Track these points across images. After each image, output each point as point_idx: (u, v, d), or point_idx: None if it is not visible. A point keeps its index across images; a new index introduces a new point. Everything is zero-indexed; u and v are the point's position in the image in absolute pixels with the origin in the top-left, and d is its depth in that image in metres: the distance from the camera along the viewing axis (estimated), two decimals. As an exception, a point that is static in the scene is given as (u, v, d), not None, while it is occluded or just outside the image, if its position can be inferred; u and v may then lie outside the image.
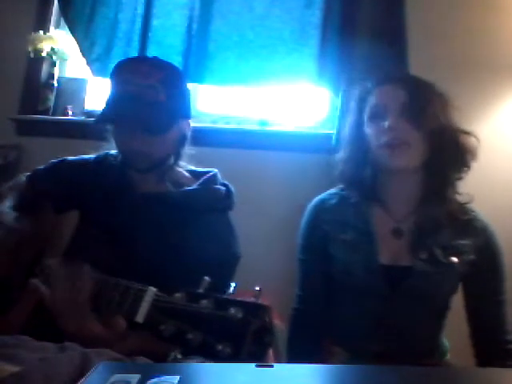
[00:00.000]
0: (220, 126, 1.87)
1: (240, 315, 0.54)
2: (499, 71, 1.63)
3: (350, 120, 1.13)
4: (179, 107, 1.00)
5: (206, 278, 0.61)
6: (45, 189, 0.99)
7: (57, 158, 1.09)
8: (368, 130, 1.06)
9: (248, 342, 0.53)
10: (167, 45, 1.85)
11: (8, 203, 0.96)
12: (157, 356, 0.67)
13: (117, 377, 0.44)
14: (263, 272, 1.43)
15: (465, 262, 1.02)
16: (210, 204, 1.00)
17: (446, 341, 1.12)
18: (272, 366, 0.48)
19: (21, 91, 1.95)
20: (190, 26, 1.84)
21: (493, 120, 1.65)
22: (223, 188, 1.04)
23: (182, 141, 1.03)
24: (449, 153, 1.02)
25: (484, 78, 1.64)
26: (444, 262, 1.00)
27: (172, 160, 1.02)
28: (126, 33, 1.88)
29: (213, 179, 1.05)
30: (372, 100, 1.06)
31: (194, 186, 1.02)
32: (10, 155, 1.85)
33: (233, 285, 0.61)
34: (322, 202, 1.15)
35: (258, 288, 0.58)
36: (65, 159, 1.09)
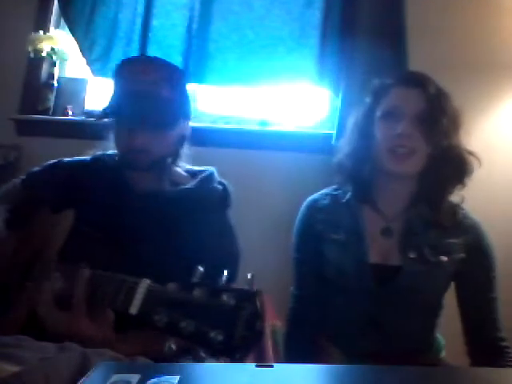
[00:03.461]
0: (220, 125, 1.86)
1: (232, 302, 0.55)
2: (499, 71, 1.63)
3: (360, 112, 1.11)
4: (181, 106, 1.01)
5: (199, 267, 0.61)
6: (41, 189, 0.99)
7: (57, 158, 1.09)
8: (378, 129, 1.05)
9: (240, 328, 0.53)
10: (167, 45, 1.85)
11: (3, 208, 0.96)
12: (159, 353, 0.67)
13: (117, 377, 0.44)
14: (262, 271, 1.43)
15: (454, 260, 1.03)
16: (207, 203, 1.00)
17: (441, 338, 1.13)
18: (272, 366, 0.48)
19: (21, 91, 1.95)
20: (189, 26, 1.84)
21: (493, 120, 1.65)
22: (220, 187, 1.04)
23: (181, 141, 1.03)
24: (449, 169, 1.03)
25: (484, 78, 1.64)
26: (433, 261, 1.01)
27: (170, 160, 1.03)
28: (126, 33, 1.88)
29: (209, 178, 1.05)
30: (389, 98, 1.05)
31: (191, 185, 1.02)
32: (10, 155, 1.85)
33: (225, 273, 0.61)
34: (315, 201, 1.15)
35: (249, 275, 0.58)
36: (61, 160, 1.08)
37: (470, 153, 1.05)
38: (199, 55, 1.82)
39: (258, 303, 0.54)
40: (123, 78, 0.97)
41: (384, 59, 1.52)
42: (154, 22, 1.86)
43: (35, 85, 1.95)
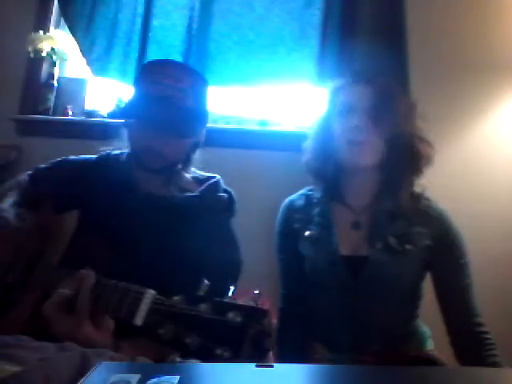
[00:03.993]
0: (220, 125, 1.86)
1: (239, 319, 0.54)
2: (499, 71, 1.63)
3: (321, 112, 1.19)
4: (204, 114, 1.03)
5: (206, 281, 0.61)
6: (46, 188, 0.99)
7: (57, 158, 1.09)
8: (335, 125, 1.11)
9: (246, 347, 0.53)
10: (167, 45, 1.85)
11: (9, 201, 0.96)
12: (154, 361, 0.67)
13: (117, 377, 0.44)
14: (262, 271, 1.43)
15: (420, 248, 1.06)
16: (211, 210, 1.01)
17: (426, 328, 1.14)
18: (272, 366, 0.48)
19: (21, 91, 1.95)
20: (190, 26, 1.84)
21: (493, 120, 1.65)
22: (225, 195, 1.05)
23: (194, 147, 1.05)
24: (403, 157, 1.07)
25: (484, 78, 1.64)
26: (398, 249, 1.04)
27: (182, 165, 1.04)
28: (126, 33, 1.88)
29: (215, 186, 1.06)
30: (343, 96, 1.12)
31: (196, 193, 1.02)
32: (10, 155, 1.85)
33: (231, 288, 0.60)
34: (292, 202, 1.22)
35: (257, 291, 0.57)
36: (66, 158, 1.08)
37: (424, 140, 1.10)
38: (199, 55, 1.82)
39: (265, 322, 0.54)
40: (152, 78, 0.97)
41: (384, 59, 1.52)
42: (154, 22, 1.86)
43: (35, 85, 1.96)
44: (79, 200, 0.93)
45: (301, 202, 1.20)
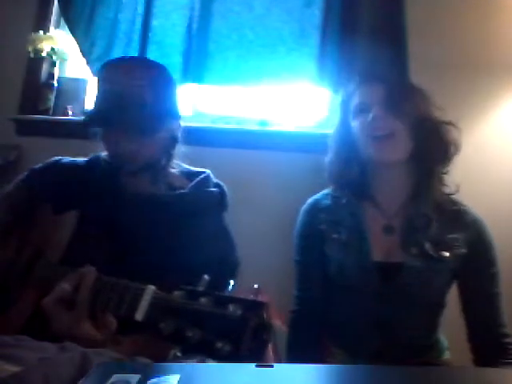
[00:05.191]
0: (220, 125, 1.86)
1: (239, 312, 0.55)
2: (498, 71, 1.63)
3: (335, 122, 1.17)
4: (168, 108, 0.99)
5: (205, 276, 0.61)
6: (43, 189, 0.99)
7: (52, 158, 1.09)
8: (353, 126, 1.09)
9: (247, 339, 0.53)
10: (167, 45, 1.85)
11: (6, 207, 0.96)
12: (154, 357, 0.67)
13: (117, 377, 0.44)
14: (263, 272, 1.43)
15: (456, 256, 1.03)
16: (203, 207, 1.00)
17: (444, 338, 1.13)
18: (272, 366, 0.48)
19: (21, 91, 1.95)
20: (190, 26, 1.83)
21: (492, 120, 1.65)
22: (216, 190, 1.04)
23: (172, 142, 1.02)
24: (432, 144, 1.04)
25: (484, 78, 1.64)
26: (435, 256, 1.01)
27: (163, 161, 1.01)
28: (126, 33, 1.88)
29: (205, 181, 1.04)
30: (355, 100, 1.10)
31: (187, 190, 1.01)
32: (9, 155, 1.85)
33: (231, 283, 0.61)
34: (317, 202, 1.16)
35: (256, 285, 0.58)
36: (58, 160, 1.07)
37: (448, 123, 1.06)
38: (199, 55, 1.82)
39: (264, 314, 0.54)
40: (106, 81, 0.95)
41: (384, 59, 1.52)
42: (154, 22, 1.86)
43: (35, 85, 1.95)
44: (75, 201, 0.94)
45: (327, 202, 1.14)
